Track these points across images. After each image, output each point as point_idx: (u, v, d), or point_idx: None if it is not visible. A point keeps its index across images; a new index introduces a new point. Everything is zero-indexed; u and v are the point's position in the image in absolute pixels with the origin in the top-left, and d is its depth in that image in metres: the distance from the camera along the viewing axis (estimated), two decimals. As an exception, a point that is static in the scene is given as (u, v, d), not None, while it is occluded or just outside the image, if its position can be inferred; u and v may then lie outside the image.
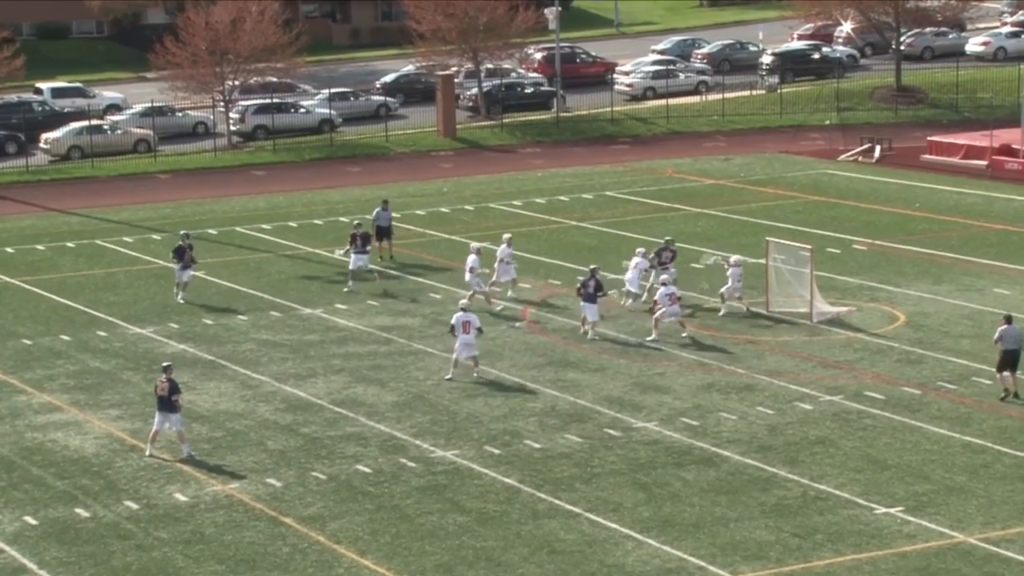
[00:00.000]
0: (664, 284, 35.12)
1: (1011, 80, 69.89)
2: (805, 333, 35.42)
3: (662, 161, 60.77)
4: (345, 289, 39.10)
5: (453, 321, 32.32)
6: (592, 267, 35.41)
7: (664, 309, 34.71)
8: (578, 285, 35.42)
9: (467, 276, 37.74)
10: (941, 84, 72.20)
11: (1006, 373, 30.27)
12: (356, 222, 40.74)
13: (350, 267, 39.82)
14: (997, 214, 48.96)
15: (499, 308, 35.97)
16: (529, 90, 72.80)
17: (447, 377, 32.18)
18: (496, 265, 38.46)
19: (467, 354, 32.15)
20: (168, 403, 27.98)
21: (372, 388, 32.20)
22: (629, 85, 74.79)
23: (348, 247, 40.21)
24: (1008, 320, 30.86)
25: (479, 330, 32.32)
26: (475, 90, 70.57)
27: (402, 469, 27.44)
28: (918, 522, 24.61)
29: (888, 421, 29.27)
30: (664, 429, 29.12)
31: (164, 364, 28.73)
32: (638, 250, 38.47)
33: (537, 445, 28.42)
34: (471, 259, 37.79)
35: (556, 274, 40.69)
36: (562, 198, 53.49)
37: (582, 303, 34.94)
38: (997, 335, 30.61)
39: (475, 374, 32.35)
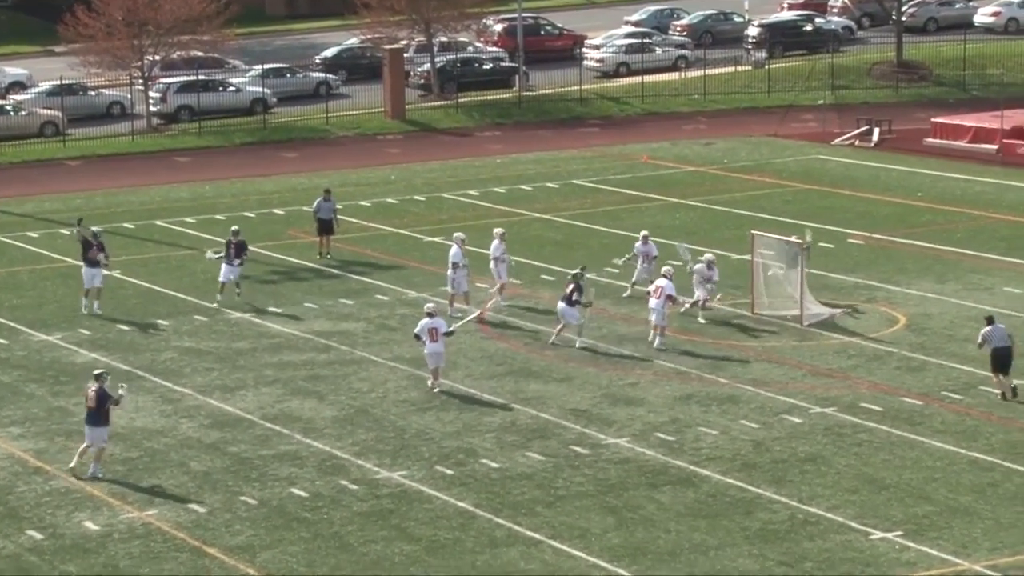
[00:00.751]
0: (665, 275, 35.20)
1: (1023, 55, 70.37)
2: (794, 338, 35.59)
3: (636, 145, 60.89)
4: (213, 305, 38.66)
5: (417, 330, 32.35)
6: (573, 272, 35.33)
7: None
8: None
9: (449, 271, 37.65)
10: (947, 59, 72.62)
11: (1002, 377, 30.93)
12: (234, 228, 40.20)
13: (220, 278, 39.21)
14: (1008, 204, 49.31)
15: (469, 317, 35.93)
16: (488, 66, 72.82)
17: (435, 390, 32.21)
18: (492, 267, 38.39)
19: (435, 364, 32.21)
20: (96, 415, 27.84)
21: (309, 401, 32.16)
22: (600, 61, 74.90)
23: (222, 254, 39.24)
24: (990, 321, 31.43)
25: (447, 333, 32.35)
26: (427, 66, 70.51)
27: (342, 492, 27.41)
28: (918, 548, 24.77)
29: (886, 435, 29.45)
30: (637, 446, 29.18)
31: (96, 372, 28.61)
32: (642, 233, 38.92)
33: (495, 464, 28.45)
34: (453, 251, 37.68)
35: (517, 272, 40.64)
36: (524, 187, 53.52)
37: (560, 305, 34.92)
38: (980, 339, 31.22)
39: (430, 383, 32.32)
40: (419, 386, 32.74)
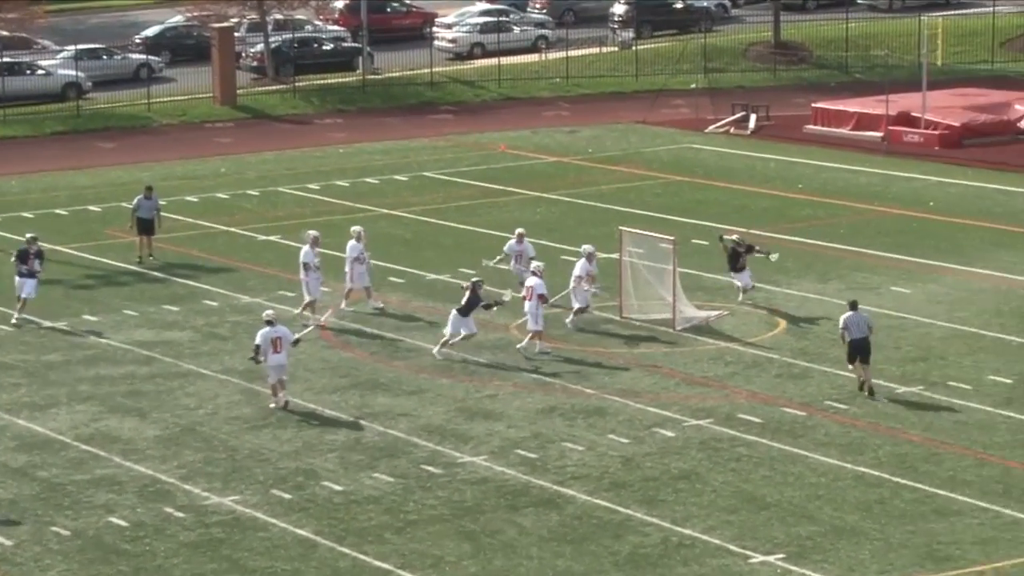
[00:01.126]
0: (534, 273, 35.14)
1: (910, 34, 71.67)
2: (666, 344, 35.80)
3: (493, 134, 61.01)
4: (13, 321, 37.88)
5: (259, 340, 31.97)
6: (473, 280, 35.14)
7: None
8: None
9: (301, 274, 37.31)
10: (827, 39, 73.72)
11: (860, 365, 31.99)
12: (29, 235, 39.35)
13: (18, 293, 37.98)
14: (895, 196, 50.12)
15: (311, 327, 35.57)
16: (328, 47, 72.60)
17: (272, 405, 31.93)
18: (347, 269, 38.06)
19: (278, 376, 31.96)
20: None
21: (129, 420, 31.73)
22: (452, 41, 74.96)
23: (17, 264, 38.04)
24: (853, 306, 32.34)
25: (295, 342, 32.07)
26: (260, 47, 70.05)
27: (167, 521, 27.07)
28: (801, 572, 24.97)
29: (766, 449, 29.71)
30: (495, 464, 29.17)
31: None
32: (517, 231, 38.78)
33: (338, 487, 28.28)
34: (304, 251, 37.40)
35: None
36: (370, 180, 53.39)
37: (455, 313, 34.67)
38: (842, 324, 32.15)
39: (273, 404, 32.01)
40: (253, 401, 32.43)
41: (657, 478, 28.42)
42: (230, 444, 30.35)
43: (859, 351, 32.06)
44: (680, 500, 27.48)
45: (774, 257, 39.01)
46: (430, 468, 29.01)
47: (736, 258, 38.15)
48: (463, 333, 34.68)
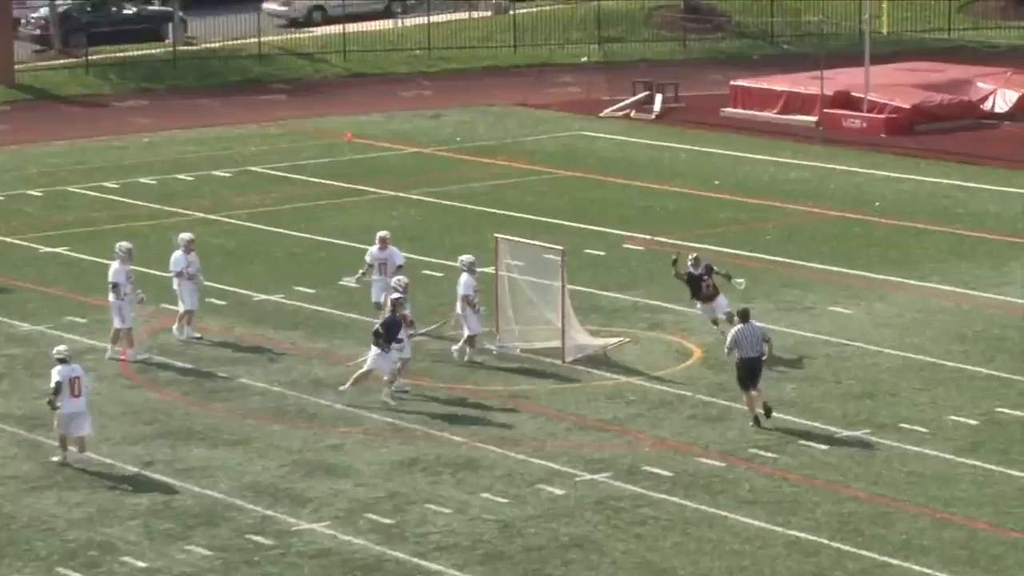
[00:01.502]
0: (396, 288, 35.16)
1: (849, -3, 72.43)
2: (554, 378, 35.77)
3: (337, 119, 61.06)
4: None
5: (59, 378, 31.55)
6: (393, 298, 34.78)
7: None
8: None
9: (110, 297, 37.03)
10: (749, 2, 74.22)
11: (753, 392, 32.57)
12: None
13: None
14: (832, 195, 50.56)
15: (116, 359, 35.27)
16: (130, 11, 72.22)
17: (55, 459, 31.60)
18: (176, 285, 37.90)
19: (79, 429, 31.56)
20: None
21: None
22: (285, 4, 74.91)
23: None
24: (744, 317, 32.76)
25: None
26: (44, 11, 69.48)
27: (-76, 610, 26.65)
28: (723, 662, 25.06)
29: (677, 510, 29.72)
30: (341, 532, 29.03)
31: None
32: (379, 234, 38.62)
33: (142, 564, 28.04)
34: (115, 270, 37.20)
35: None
36: (183, 177, 53.26)
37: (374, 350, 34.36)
38: (730, 342, 32.59)
39: (57, 458, 31.65)
40: (33, 455, 32.08)
41: (543, 547, 28.34)
42: (4, 510, 29.96)
43: (750, 373, 32.43)
44: (571, 574, 27.35)
45: (740, 283, 38.45)
46: (258, 538, 28.77)
47: (696, 285, 37.56)
48: (368, 366, 34.12)
